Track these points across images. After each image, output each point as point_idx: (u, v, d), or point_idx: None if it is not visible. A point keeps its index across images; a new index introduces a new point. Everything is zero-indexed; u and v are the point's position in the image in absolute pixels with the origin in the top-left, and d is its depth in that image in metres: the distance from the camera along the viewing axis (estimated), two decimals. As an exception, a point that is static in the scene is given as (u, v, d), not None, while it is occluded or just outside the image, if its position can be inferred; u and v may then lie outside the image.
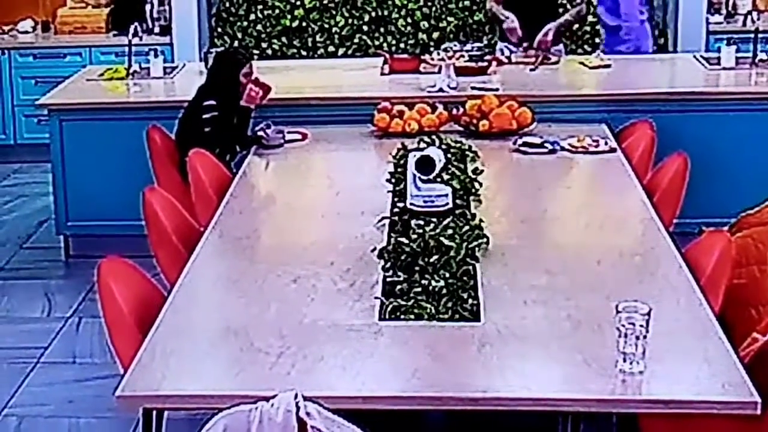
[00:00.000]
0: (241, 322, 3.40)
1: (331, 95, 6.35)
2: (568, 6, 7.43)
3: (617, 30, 7.39)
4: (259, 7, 8.74)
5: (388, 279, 3.63)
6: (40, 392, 4.92)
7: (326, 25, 8.84)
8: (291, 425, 2.53)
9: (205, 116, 5.55)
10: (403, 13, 8.80)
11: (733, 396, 2.89)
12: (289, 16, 8.71)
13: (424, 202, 4.23)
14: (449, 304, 3.39)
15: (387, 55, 7.02)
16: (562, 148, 5.27)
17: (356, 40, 8.83)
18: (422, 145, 5.01)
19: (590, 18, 8.58)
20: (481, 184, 4.65)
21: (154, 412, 3.43)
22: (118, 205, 6.02)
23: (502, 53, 7.11)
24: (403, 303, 3.41)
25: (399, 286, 3.54)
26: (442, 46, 7.06)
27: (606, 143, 5.31)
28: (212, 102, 5.57)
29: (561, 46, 7.25)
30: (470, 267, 3.66)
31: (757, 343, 3.36)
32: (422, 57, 6.85)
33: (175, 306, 3.54)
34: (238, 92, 5.67)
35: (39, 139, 7.30)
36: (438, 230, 3.86)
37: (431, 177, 4.25)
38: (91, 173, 6.39)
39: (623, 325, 2.96)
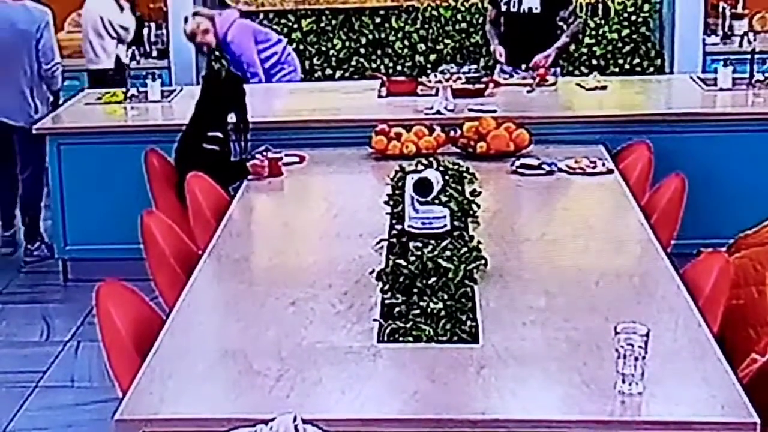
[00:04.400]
0: (240, 345, 3.40)
1: (328, 118, 6.37)
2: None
3: None
4: (257, 29, 8.77)
5: (387, 301, 3.63)
6: (39, 416, 4.91)
7: (323, 48, 8.88)
8: (290, 448, 2.52)
9: (206, 146, 5.51)
10: (400, 35, 8.84)
11: (732, 417, 2.88)
12: (286, 39, 8.73)
13: (422, 224, 4.23)
14: (448, 326, 3.38)
15: (384, 78, 7.04)
16: (560, 170, 5.27)
17: (354, 63, 8.86)
18: (420, 167, 5.01)
19: (587, 39, 8.63)
20: (478, 206, 4.66)
21: (153, 436, 3.42)
22: (117, 228, 6.03)
23: (503, 72, 7.17)
24: (402, 325, 3.40)
25: (397, 309, 3.54)
26: (440, 69, 7.08)
27: (603, 164, 5.32)
28: (218, 134, 5.53)
29: (557, 69, 7.28)
30: (468, 289, 3.66)
31: (755, 364, 3.36)
32: (419, 79, 6.87)
33: (173, 329, 3.53)
34: (245, 110, 5.67)
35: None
36: (436, 252, 3.86)
37: (429, 199, 4.25)
38: (89, 197, 6.40)
39: (622, 347, 2.96)
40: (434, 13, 8.84)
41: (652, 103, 6.89)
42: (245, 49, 7.36)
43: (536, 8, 7.06)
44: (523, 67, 7.07)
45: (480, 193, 4.83)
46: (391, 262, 3.89)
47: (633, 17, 8.68)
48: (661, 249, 4.17)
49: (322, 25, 8.89)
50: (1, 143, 7.05)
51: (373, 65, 8.80)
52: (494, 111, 6.13)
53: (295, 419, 2.51)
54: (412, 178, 4.27)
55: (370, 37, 8.87)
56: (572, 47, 8.21)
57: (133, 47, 7.42)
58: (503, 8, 7.19)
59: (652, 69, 8.63)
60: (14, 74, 6.85)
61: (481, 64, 8.23)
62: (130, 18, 8.09)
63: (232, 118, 5.67)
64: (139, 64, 7.36)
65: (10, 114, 6.87)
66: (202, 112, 5.66)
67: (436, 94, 6.28)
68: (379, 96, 6.76)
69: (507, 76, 7.15)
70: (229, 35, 7.38)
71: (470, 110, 6.19)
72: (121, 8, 8.06)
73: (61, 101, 7.25)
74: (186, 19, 7.50)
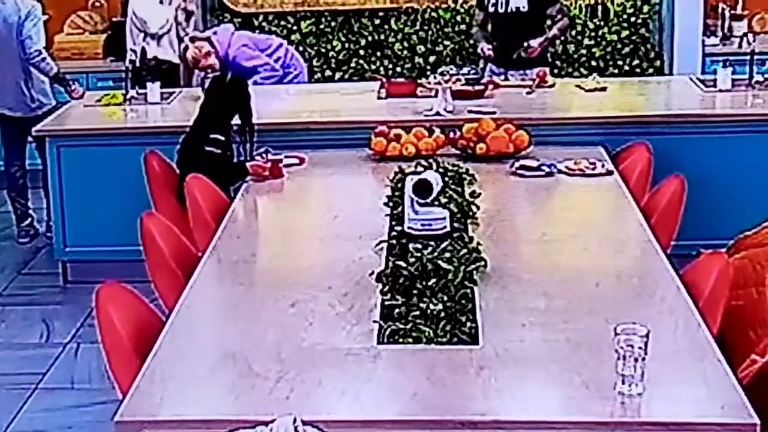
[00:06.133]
0: (240, 346, 3.40)
1: (328, 119, 6.36)
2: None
3: None
4: (256, 31, 8.75)
5: (387, 303, 3.63)
6: (39, 418, 4.91)
7: (323, 50, 8.87)
8: (290, 449, 2.52)
9: (207, 148, 5.49)
10: (399, 37, 8.83)
11: (732, 418, 2.88)
12: (285, 41, 8.73)
13: (422, 225, 4.23)
14: (447, 328, 3.38)
15: (384, 79, 7.04)
16: (559, 171, 5.27)
17: (353, 65, 8.86)
18: (419, 168, 5.01)
19: (586, 40, 8.63)
20: (478, 207, 4.66)
21: (153, 438, 3.42)
22: (116, 230, 6.02)
23: (492, 74, 7.19)
24: (402, 326, 3.40)
25: (397, 310, 3.54)
26: (439, 70, 7.08)
27: (603, 166, 5.32)
28: (220, 137, 5.51)
29: (546, 69, 7.27)
30: (468, 290, 3.66)
31: (755, 365, 3.36)
32: (419, 81, 6.87)
33: (173, 331, 3.53)
34: (249, 113, 5.66)
35: (37, 165, 7.32)
36: (436, 253, 3.86)
37: (429, 200, 4.25)
38: (88, 199, 6.40)
39: (622, 348, 2.96)
40: (433, 14, 8.84)
41: (652, 105, 6.89)
42: (251, 56, 7.30)
43: (524, 7, 7.07)
44: (516, 71, 7.08)
45: (479, 194, 4.83)
46: (390, 264, 3.89)
47: (632, 18, 8.67)
48: (661, 250, 4.17)
49: (322, 26, 8.88)
50: (7, 136, 7.32)
51: (373, 67, 8.79)
52: (494, 112, 6.13)
53: (295, 421, 2.51)
54: (412, 180, 4.27)
55: (370, 38, 8.87)
56: (572, 49, 8.22)
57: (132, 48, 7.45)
58: (490, 9, 7.20)
59: (651, 70, 8.63)
60: (10, 67, 7.09)
61: (480, 65, 8.22)
62: (158, 11, 8.00)
63: (236, 120, 5.67)
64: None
65: (10, 106, 7.17)
66: (205, 114, 5.66)
67: (436, 96, 6.28)
68: (379, 97, 6.76)
69: (500, 77, 7.15)
70: (230, 54, 7.23)
71: (470, 112, 6.19)
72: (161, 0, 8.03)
73: (74, 83, 7.27)
74: (186, 48, 7.36)
